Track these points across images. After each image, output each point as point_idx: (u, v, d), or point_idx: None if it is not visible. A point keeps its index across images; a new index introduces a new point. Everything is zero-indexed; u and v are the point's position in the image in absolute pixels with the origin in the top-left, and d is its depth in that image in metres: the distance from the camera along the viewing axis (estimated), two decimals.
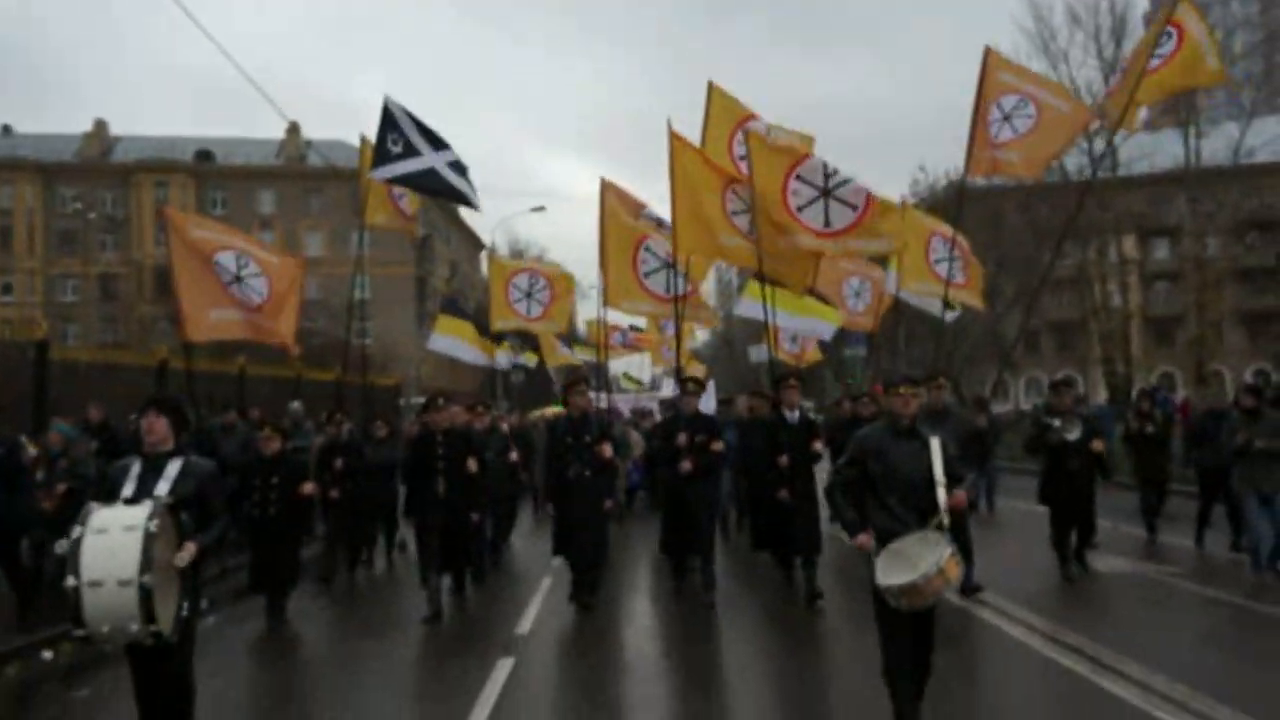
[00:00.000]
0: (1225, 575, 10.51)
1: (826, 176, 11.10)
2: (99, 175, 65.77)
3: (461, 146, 12.66)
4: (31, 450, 9.79)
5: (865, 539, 5.40)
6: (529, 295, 17.24)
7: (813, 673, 7.71)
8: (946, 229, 14.58)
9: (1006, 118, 12.47)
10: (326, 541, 12.04)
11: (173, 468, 5.17)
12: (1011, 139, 12.47)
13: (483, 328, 18.30)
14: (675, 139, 11.61)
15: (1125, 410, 18.12)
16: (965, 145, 12.38)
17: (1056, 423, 10.26)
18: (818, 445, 9.98)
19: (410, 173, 12.49)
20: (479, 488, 9.83)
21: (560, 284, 17.31)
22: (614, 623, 9.36)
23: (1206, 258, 42.69)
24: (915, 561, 5.13)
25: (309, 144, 65.84)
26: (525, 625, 9.08)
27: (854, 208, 11.07)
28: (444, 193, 13.02)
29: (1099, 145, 37.49)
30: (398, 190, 14.06)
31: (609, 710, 6.66)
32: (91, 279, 64.93)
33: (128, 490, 5.06)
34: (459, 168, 12.71)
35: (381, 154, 12.52)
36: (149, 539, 4.59)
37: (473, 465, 9.58)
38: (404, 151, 12.32)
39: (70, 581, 4.53)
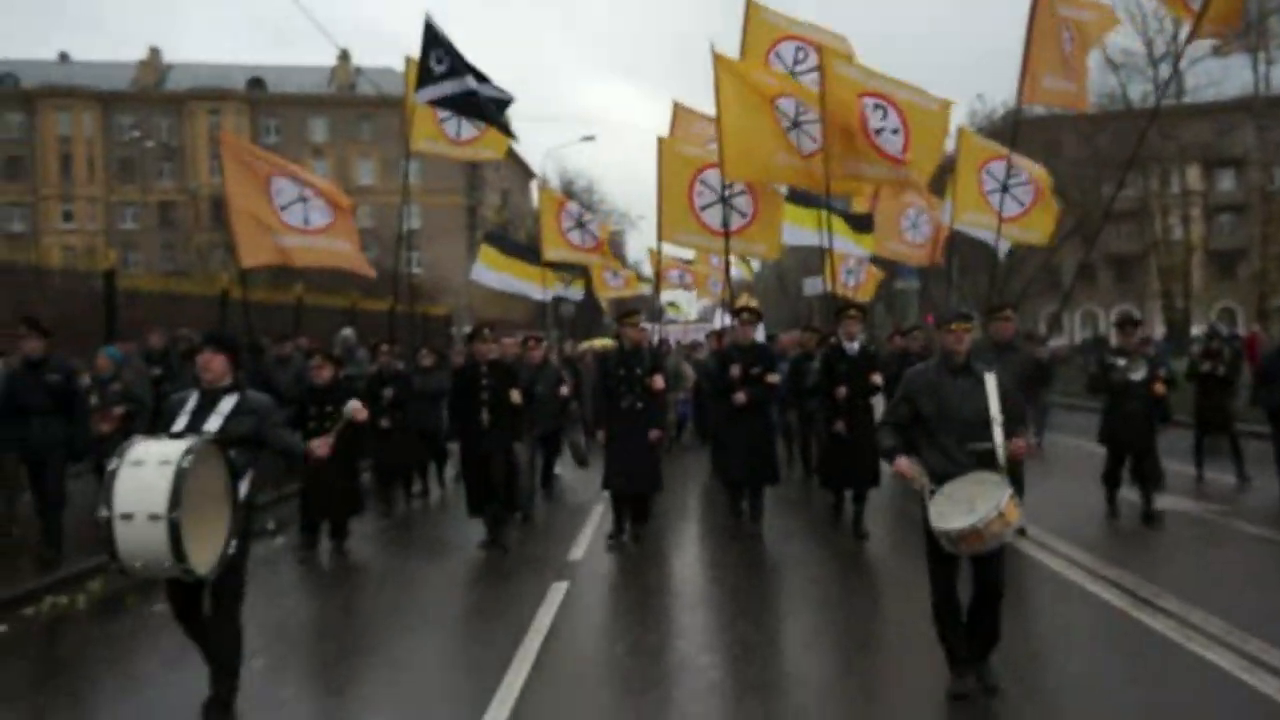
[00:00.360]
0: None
1: None
2: (154, 104, 66.23)
3: (503, 71, 12.44)
4: (85, 378, 9.96)
5: (905, 463, 5.28)
6: (581, 225, 17.14)
7: (861, 600, 7.75)
8: (1003, 153, 13.96)
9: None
10: (377, 472, 12.15)
11: (227, 404, 5.17)
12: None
13: (531, 258, 18.04)
14: (719, 60, 11.36)
15: (1186, 347, 17.70)
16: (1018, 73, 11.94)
17: (1121, 362, 10.01)
18: (876, 378, 9.80)
19: (454, 94, 12.17)
20: (523, 421, 9.86)
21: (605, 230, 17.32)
22: (664, 552, 9.46)
23: (1272, 189, 41.31)
24: (973, 503, 5.02)
25: (359, 71, 65.67)
26: (578, 552, 9.20)
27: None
28: (484, 117, 12.70)
29: (1164, 71, 36.50)
30: (442, 113, 13.79)
31: (659, 634, 6.74)
32: (151, 206, 65.81)
33: (180, 424, 5.09)
34: (499, 102, 12.47)
35: (425, 74, 12.14)
36: (180, 475, 4.53)
37: (516, 397, 9.57)
38: (448, 71, 11.94)
39: (102, 513, 4.51)
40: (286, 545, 10.10)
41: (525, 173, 77.86)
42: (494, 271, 17.72)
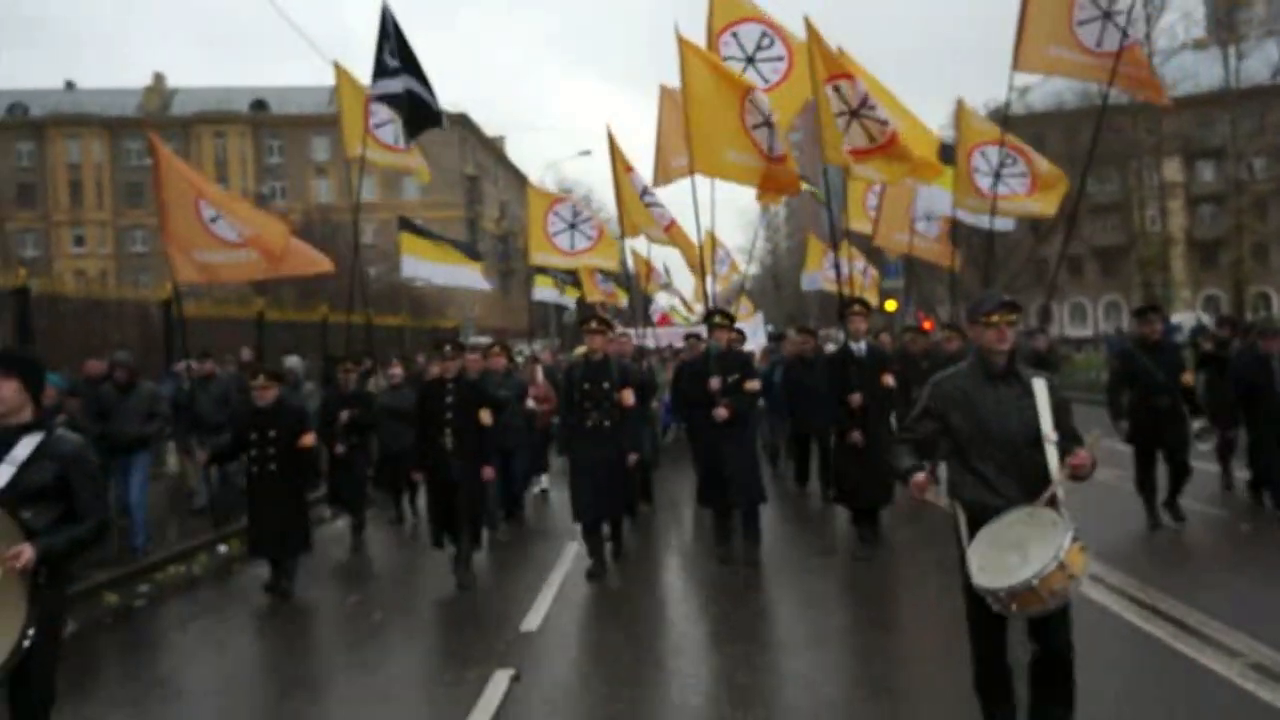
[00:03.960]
0: None
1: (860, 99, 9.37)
2: (160, 128, 64.76)
3: (474, 78, 11.13)
4: None
5: (923, 479, 3.97)
6: (573, 227, 15.26)
7: (874, 636, 6.39)
8: (994, 135, 12.56)
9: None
10: (332, 503, 10.74)
11: (23, 448, 3.72)
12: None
13: (464, 249, 16.06)
14: (684, 46, 9.79)
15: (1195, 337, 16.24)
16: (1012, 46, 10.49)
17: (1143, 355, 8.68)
18: (888, 379, 8.37)
19: (398, 93, 10.81)
20: (491, 442, 8.43)
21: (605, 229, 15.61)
22: (646, 582, 8.09)
23: (1249, 179, 40.26)
24: (1024, 550, 3.63)
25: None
26: (534, 620, 7.06)
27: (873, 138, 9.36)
28: (420, 117, 11.18)
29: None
30: (379, 117, 12.34)
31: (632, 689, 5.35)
32: (159, 230, 64.52)
33: None
34: (430, 112, 11.05)
35: (379, 66, 10.86)
36: None
37: (486, 418, 8.16)
38: (399, 68, 10.67)
39: None
40: (218, 596, 8.73)
41: (523, 183, 76.48)
42: (426, 262, 15.28)
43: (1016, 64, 10.56)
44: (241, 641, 7.28)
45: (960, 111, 12.89)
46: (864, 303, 9.15)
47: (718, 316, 8.70)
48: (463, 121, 65.45)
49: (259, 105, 66.15)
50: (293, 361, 12.35)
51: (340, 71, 12.47)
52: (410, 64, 10.76)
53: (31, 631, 3.53)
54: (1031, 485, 3.83)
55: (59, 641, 3.81)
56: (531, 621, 6.84)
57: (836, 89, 9.19)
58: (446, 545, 8.21)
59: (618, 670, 5.80)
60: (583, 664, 6.13)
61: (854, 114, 9.19)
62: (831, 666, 5.83)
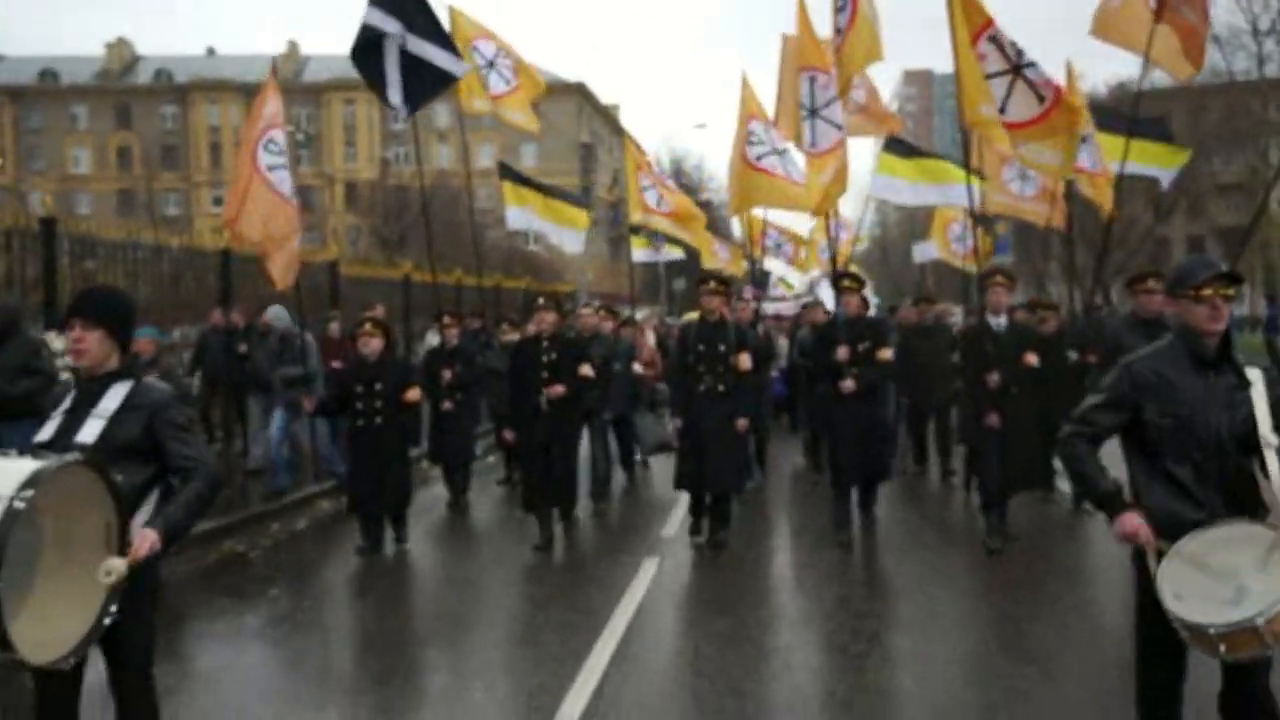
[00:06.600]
0: None
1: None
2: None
3: (591, 46, 10.31)
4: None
5: (1136, 524, 3.10)
6: (491, 65, 13.03)
7: (1003, 625, 5.69)
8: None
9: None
10: (433, 460, 10.29)
11: (112, 398, 3.25)
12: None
13: (560, 194, 14.87)
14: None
15: None
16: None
17: None
18: (1031, 358, 7.29)
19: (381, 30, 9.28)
20: (590, 404, 7.89)
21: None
22: (749, 560, 7.43)
23: None
24: (1238, 579, 2.87)
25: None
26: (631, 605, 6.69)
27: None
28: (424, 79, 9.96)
29: (1269, 46, 34.34)
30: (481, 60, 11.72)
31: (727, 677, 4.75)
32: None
33: (45, 432, 3.24)
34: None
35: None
36: (9, 519, 2.67)
37: (587, 370, 7.62)
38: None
39: None
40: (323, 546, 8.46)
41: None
42: (531, 213, 14.14)
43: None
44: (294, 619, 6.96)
45: (1070, 75, 11.66)
46: (1007, 273, 8.17)
47: (847, 280, 7.88)
48: (579, 90, 65.19)
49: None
50: (276, 311, 10.17)
51: (456, 14, 11.96)
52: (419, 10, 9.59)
53: (114, 608, 3.03)
54: (1238, 497, 3.05)
55: (154, 607, 3.35)
56: (621, 616, 5.99)
57: (993, 39, 8.06)
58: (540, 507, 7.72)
59: (717, 669, 5.18)
60: (678, 667, 5.35)
61: (1016, 71, 7.75)
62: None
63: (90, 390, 3.29)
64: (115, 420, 3.23)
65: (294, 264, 9.48)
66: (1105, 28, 9.61)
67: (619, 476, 10.26)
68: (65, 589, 2.95)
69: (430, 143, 66.02)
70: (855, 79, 9.84)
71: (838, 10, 8.93)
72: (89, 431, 3.20)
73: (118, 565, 2.98)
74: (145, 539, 3.05)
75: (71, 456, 2.98)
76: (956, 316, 12.44)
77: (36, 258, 8.67)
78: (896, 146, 12.20)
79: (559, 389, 7.52)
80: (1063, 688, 4.75)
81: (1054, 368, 7.97)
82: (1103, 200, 10.79)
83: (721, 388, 7.38)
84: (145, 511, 3.25)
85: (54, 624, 2.91)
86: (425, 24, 9.42)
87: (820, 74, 9.00)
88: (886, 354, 7.57)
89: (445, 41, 9.70)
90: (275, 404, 9.80)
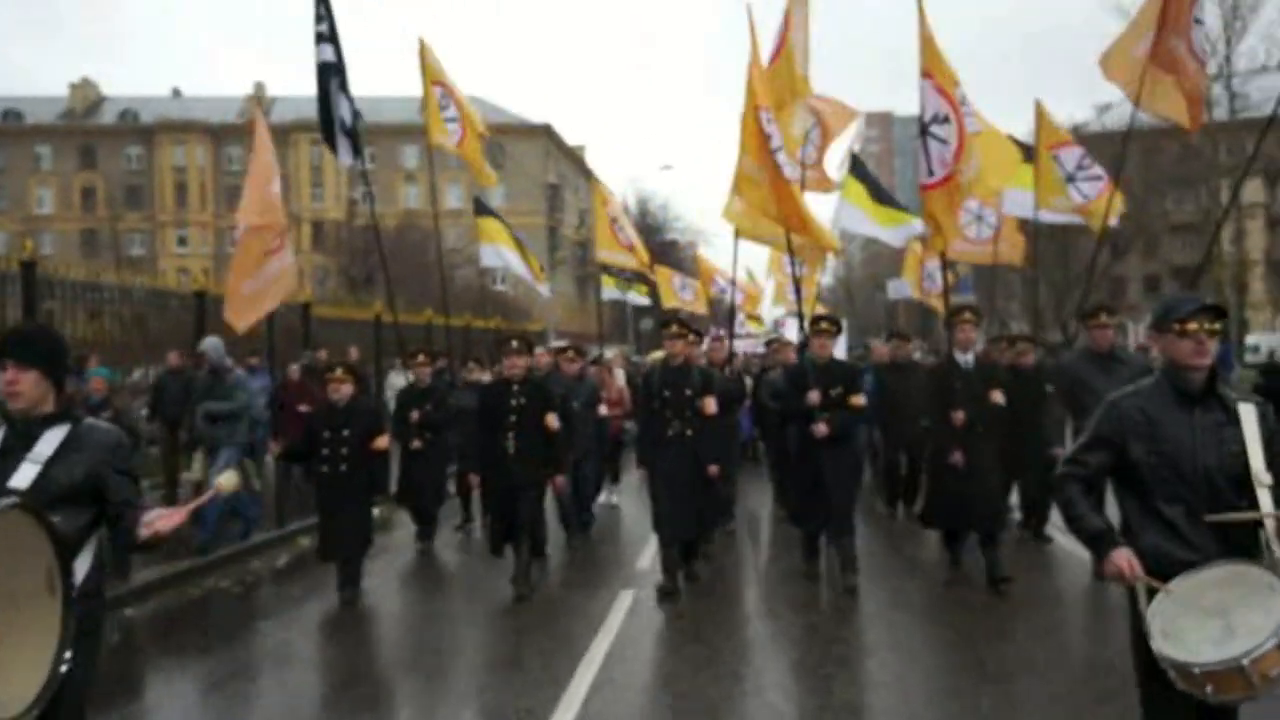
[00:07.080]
0: None
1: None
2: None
3: (557, 89, 10.43)
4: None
5: (1124, 561, 3.02)
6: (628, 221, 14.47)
7: (949, 648, 5.91)
8: (1068, 138, 12.13)
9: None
10: (400, 502, 10.08)
11: (47, 443, 3.15)
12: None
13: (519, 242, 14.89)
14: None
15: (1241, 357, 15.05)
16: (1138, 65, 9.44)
17: None
18: (997, 395, 7.38)
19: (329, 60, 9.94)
20: (558, 450, 7.77)
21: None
22: (721, 591, 7.49)
23: None
24: (1228, 619, 2.83)
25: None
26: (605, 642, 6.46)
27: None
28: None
29: (1217, 90, 35.18)
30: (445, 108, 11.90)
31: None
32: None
33: None
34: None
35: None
36: None
37: (553, 422, 7.53)
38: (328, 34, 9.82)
39: None
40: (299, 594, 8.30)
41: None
42: (503, 249, 14.21)
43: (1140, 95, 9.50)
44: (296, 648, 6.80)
45: (1039, 113, 11.95)
46: (975, 310, 8.26)
47: (825, 323, 7.79)
48: (546, 131, 65.58)
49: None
50: (211, 343, 9.67)
51: (425, 48, 12.35)
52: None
53: (69, 654, 2.92)
54: (1231, 537, 3.00)
55: (96, 659, 3.23)
56: (601, 644, 6.19)
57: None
58: (506, 553, 7.59)
59: (694, 690, 5.27)
60: (656, 690, 5.49)
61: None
62: None
63: (24, 433, 3.19)
64: (52, 464, 3.14)
65: (254, 308, 9.02)
66: (1110, 70, 9.76)
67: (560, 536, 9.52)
68: (15, 640, 2.85)
69: (398, 183, 66.08)
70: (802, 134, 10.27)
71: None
72: (23, 476, 3.10)
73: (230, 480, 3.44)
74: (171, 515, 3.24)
75: (5, 502, 2.87)
76: (917, 353, 12.65)
77: (15, 301, 8.53)
78: (858, 169, 12.44)
79: (554, 422, 7.51)
80: (1021, 707, 5.00)
81: (1031, 400, 8.11)
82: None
83: (689, 432, 7.33)
84: (87, 555, 3.18)
85: (7, 677, 2.81)
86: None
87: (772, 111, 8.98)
88: (859, 400, 7.53)
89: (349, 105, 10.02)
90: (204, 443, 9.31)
